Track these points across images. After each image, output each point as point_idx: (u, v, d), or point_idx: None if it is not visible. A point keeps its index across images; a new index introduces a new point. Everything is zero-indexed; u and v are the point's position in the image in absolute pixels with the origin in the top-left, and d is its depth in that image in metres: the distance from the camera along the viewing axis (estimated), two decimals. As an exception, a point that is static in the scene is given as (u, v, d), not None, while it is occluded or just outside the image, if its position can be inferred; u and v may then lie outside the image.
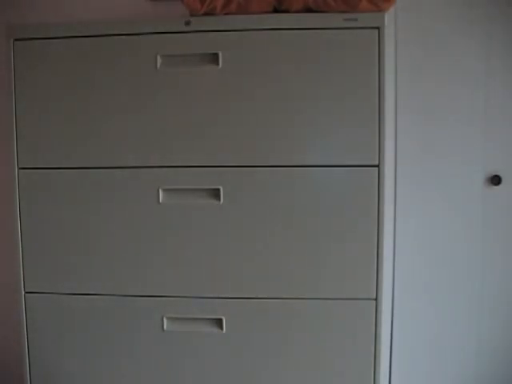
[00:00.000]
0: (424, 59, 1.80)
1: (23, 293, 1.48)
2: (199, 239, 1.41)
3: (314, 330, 1.41)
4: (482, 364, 1.89)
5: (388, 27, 1.38)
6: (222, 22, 1.37)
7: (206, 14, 1.37)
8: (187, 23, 1.37)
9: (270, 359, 1.43)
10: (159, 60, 1.38)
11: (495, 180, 1.82)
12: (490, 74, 1.79)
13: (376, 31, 1.33)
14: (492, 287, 1.86)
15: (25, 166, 1.45)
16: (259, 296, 1.42)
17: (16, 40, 1.42)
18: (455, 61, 1.80)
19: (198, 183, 1.40)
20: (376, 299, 1.38)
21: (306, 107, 1.36)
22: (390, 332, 1.90)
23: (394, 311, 1.90)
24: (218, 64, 1.37)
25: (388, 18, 1.34)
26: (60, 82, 1.42)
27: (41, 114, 1.43)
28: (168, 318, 1.45)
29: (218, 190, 1.39)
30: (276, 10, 1.41)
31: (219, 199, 1.39)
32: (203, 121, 1.38)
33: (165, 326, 1.45)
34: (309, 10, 1.36)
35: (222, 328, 1.43)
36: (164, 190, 1.41)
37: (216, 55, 1.36)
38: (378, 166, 1.35)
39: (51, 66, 1.42)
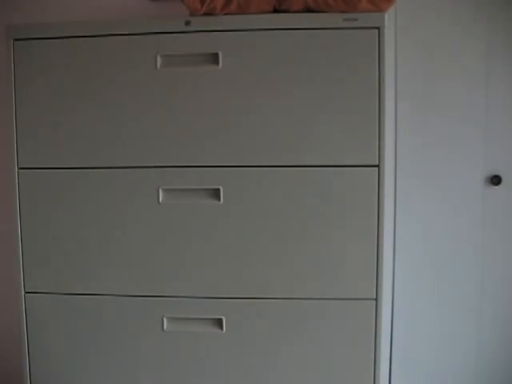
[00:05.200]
0: (424, 59, 1.80)
1: (23, 293, 1.48)
2: (199, 239, 1.41)
3: (314, 330, 1.41)
4: (481, 364, 1.89)
5: (388, 27, 1.38)
6: (222, 21, 1.37)
7: (206, 14, 1.37)
8: (187, 23, 1.37)
9: (270, 359, 1.43)
10: (159, 60, 1.38)
11: (495, 180, 1.82)
12: (490, 73, 1.80)
13: (376, 31, 1.33)
14: (492, 287, 1.86)
15: (25, 166, 1.45)
16: (259, 296, 1.42)
17: (16, 40, 1.42)
18: (455, 61, 1.80)
19: (198, 183, 1.40)
20: (376, 299, 1.38)
21: (306, 107, 1.36)
22: (390, 332, 1.90)
23: (394, 311, 1.90)
24: (218, 64, 1.37)
25: (388, 17, 1.34)
26: (60, 81, 1.42)
27: (41, 114, 1.43)
28: (168, 318, 1.45)
29: (218, 190, 1.39)
30: (276, 10, 1.41)
31: (219, 199, 1.39)
32: (203, 121, 1.38)
33: (165, 326, 1.45)
34: (309, 10, 1.36)
35: (221, 328, 1.43)
36: (164, 190, 1.41)
37: (216, 55, 1.36)
38: (378, 165, 1.35)
39: (51, 66, 1.42)
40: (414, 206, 1.85)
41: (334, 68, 1.34)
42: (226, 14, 1.38)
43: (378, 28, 1.32)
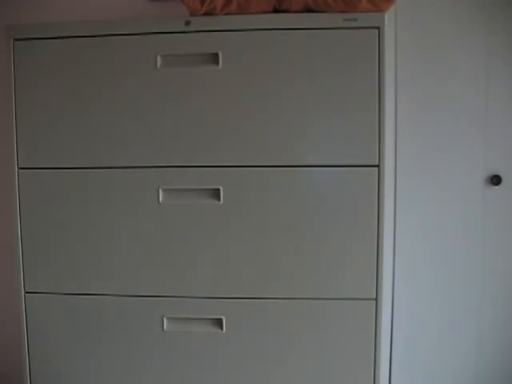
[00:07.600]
0: (424, 59, 1.80)
1: (23, 293, 1.48)
2: (199, 239, 1.41)
3: (314, 330, 1.41)
4: (481, 364, 1.89)
5: (388, 27, 1.38)
6: (222, 21, 1.37)
7: (206, 13, 1.37)
8: (187, 23, 1.37)
9: (270, 359, 1.43)
10: (159, 60, 1.38)
11: (495, 180, 1.82)
12: (490, 73, 1.80)
13: (376, 31, 1.33)
14: (492, 287, 1.86)
15: (25, 166, 1.45)
16: (259, 296, 1.42)
17: (16, 40, 1.42)
18: (455, 61, 1.80)
19: (198, 183, 1.40)
20: (376, 299, 1.38)
21: (306, 107, 1.36)
22: (389, 332, 1.90)
23: (394, 311, 1.90)
24: (217, 64, 1.37)
25: (388, 17, 1.34)
26: (60, 81, 1.42)
27: (41, 114, 1.43)
28: (168, 318, 1.45)
29: (218, 190, 1.39)
30: (276, 10, 1.41)
31: (219, 199, 1.39)
32: (203, 121, 1.38)
33: (165, 326, 1.45)
34: (309, 10, 1.36)
35: (221, 328, 1.43)
36: (164, 190, 1.41)
37: (216, 55, 1.36)
38: (378, 165, 1.35)
39: (51, 66, 1.42)
40: (414, 206, 1.85)
41: (333, 68, 1.34)
42: (226, 14, 1.38)
43: (378, 28, 1.32)
